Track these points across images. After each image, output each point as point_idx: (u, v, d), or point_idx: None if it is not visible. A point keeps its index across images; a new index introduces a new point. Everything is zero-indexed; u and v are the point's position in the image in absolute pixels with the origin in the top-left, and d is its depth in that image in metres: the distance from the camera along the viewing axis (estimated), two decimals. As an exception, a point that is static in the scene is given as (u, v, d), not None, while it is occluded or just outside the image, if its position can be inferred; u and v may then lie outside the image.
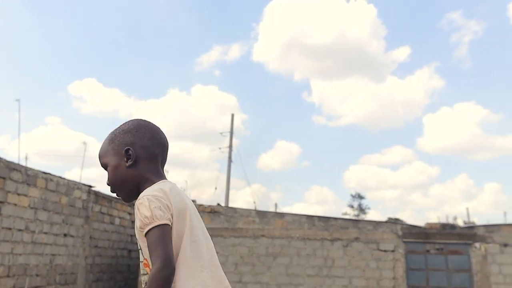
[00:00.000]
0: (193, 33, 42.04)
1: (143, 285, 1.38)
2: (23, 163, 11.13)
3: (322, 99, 42.56)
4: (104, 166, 1.40)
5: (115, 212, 12.50)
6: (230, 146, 24.77)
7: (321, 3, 38.55)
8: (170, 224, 1.27)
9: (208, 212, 10.99)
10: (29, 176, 8.79)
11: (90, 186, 11.07)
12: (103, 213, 11.76)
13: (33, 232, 8.84)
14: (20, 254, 8.41)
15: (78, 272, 10.38)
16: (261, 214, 10.94)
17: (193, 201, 11.05)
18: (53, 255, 9.46)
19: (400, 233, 10.28)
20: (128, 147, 1.34)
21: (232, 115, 24.99)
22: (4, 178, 8.03)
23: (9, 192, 8.15)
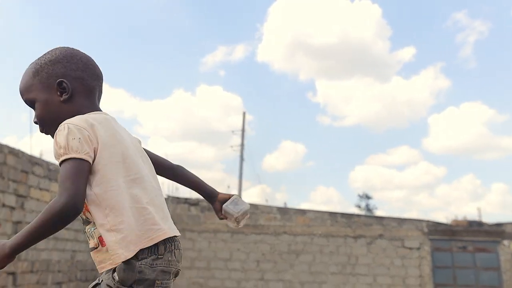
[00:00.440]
0: (198, 34, 41.95)
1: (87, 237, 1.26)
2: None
3: (327, 99, 42.32)
4: (29, 102, 1.23)
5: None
6: (242, 145, 24.62)
7: (326, 3, 38.28)
8: (89, 160, 1.12)
9: (229, 208, 10.83)
10: (50, 171, 8.67)
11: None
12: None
13: (55, 227, 8.71)
14: (43, 250, 8.28)
15: (95, 269, 10.25)
16: (283, 211, 10.76)
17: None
18: (73, 251, 9.33)
19: (425, 230, 10.06)
20: (62, 79, 1.18)
21: (244, 113, 24.80)
22: (27, 173, 7.91)
23: (31, 186, 8.03)
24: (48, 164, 8.62)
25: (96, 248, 1.22)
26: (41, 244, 8.28)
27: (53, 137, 1.18)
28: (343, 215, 10.61)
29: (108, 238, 1.18)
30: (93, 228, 1.22)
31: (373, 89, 40.93)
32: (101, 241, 1.20)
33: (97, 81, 1.25)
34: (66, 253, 9.06)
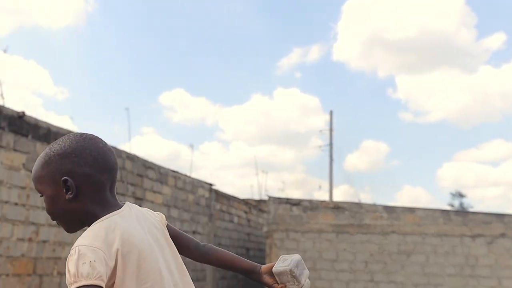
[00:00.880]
0: (272, 38, 42.07)
1: None
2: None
3: (408, 95, 40.13)
4: (39, 192, 1.15)
5: (233, 211, 12.56)
6: (331, 144, 24.13)
7: (401, -5, 36.46)
8: (101, 284, 1.02)
9: (332, 208, 10.55)
10: (161, 175, 9.02)
11: (211, 185, 11.19)
12: (223, 211, 11.85)
13: (168, 229, 9.04)
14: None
15: (206, 269, 10.50)
16: (389, 209, 10.25)
17: (296, 201, 10.83)
18: (184, 252, 9.63)
19: (557, 227, 9.01)
20: (66, 177, 1.10)
21: (331, 112, 24.33)
22: (141, 176, 8.29)
23: (146, 189, 8.40)
24: (159, 167, 8.98)
25: None
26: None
27: (66, 229, 1.19)
28: (457, 212, 9.87)
29: None
30: None
31: (459, 81, 38.24)
32: None
33: (108, 174, 1.16)
34: (178, 254, 9.36)
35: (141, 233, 1.14)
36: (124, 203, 1.20)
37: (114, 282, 1.07)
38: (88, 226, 1.12)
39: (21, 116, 5.70)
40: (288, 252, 10.40)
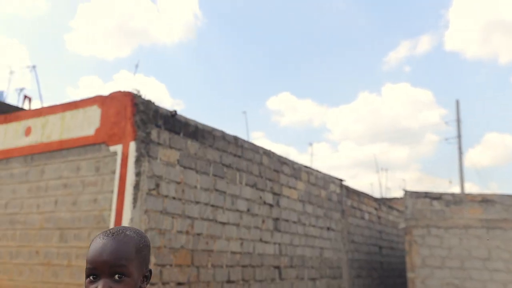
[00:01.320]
0: (377, 33, 40.14)
1: None
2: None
3: None
4: (119, 271, 1.12)
5: (363, 207, 12.10)
6: (459, 136, 22.35)
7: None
8: None
9: (479, 201, 9.58)
10: (295, 170, 8.97)
11: (341, 180, 10.89)
12: (354, 208, 11.46)
13: (304, 224, 8.95)
14: (297, 246, 8.57)
15: (342, 267, 10.21)
16: (551, 201, 9.00)
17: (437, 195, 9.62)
18: (321, 248, 9.46)
19: None
20: (150, 269, 1.20)
21: (457, 101, 22.49)
22: (277, 172, 8.31)
23: (282, 185, 8.40)
24: (293, 163, 8.93)
25: None
26: (296, 240, 8.56)
27: None
28: None
29: None
30: None
31: None
32: None
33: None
34: (315, 250, 9.21)
35: None
36: None
37: None
38: None
39: (173, 114, 6.00)
40: (431, 250, 9.68)
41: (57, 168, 6.04)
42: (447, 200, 9.76)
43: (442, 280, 9.30)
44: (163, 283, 5.52)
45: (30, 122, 6.51)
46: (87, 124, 5.88)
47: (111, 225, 5.31)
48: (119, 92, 5.70)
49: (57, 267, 5.69)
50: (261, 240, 7.52)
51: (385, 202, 14.03)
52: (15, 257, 6.11)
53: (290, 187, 8.64)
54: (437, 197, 9.91)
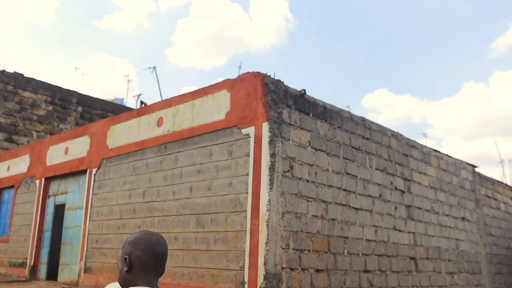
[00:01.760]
0: (481, 18, 36.38)
1: None
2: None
3: None
4: (118, 267, 1.55)
5: (499, 196, 10.87)
6: None
7: None
8: None
9: None
10: (424, 154, 8.26)
11: (474, 166, 9.87)
12: (488, 197, 10.33)
13: (438, 213, 8.20)
14: (432, 236, 7.87)
15: (481, 262, 9.22)
16: None
17: None
18: (457, 239, 8.61)
19: None
20: (126, 256, 1.49)
21: None
22: (406, 156, 7.70)
23: (412, 170, 7.77)
24: (422, 147, 8.25)
25: None
26: (430, 230, 7.88)
27: None
28: None
29: None
30: None
31: None
32: None
33: (153, 259, 1.48)
34: (451, 241, 8.40)
35: None
36: None
37: None
38: None
39: (302, 94, 5.77)
40: None
41: (190, 155, 6.12)
42: None
43: None
44: (302, 269, 5.29)
45: (161, 113, 6.72)
46: (217, 109, 5.88)
47: (248, 208, 5.21)
48: (248, 73, 5.60)
49: (196, 252, 5.74)
50: (394, 228, 6.98)
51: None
52: (155, 243, 6.30)
53: (420, 173, 7.96)
54: None
